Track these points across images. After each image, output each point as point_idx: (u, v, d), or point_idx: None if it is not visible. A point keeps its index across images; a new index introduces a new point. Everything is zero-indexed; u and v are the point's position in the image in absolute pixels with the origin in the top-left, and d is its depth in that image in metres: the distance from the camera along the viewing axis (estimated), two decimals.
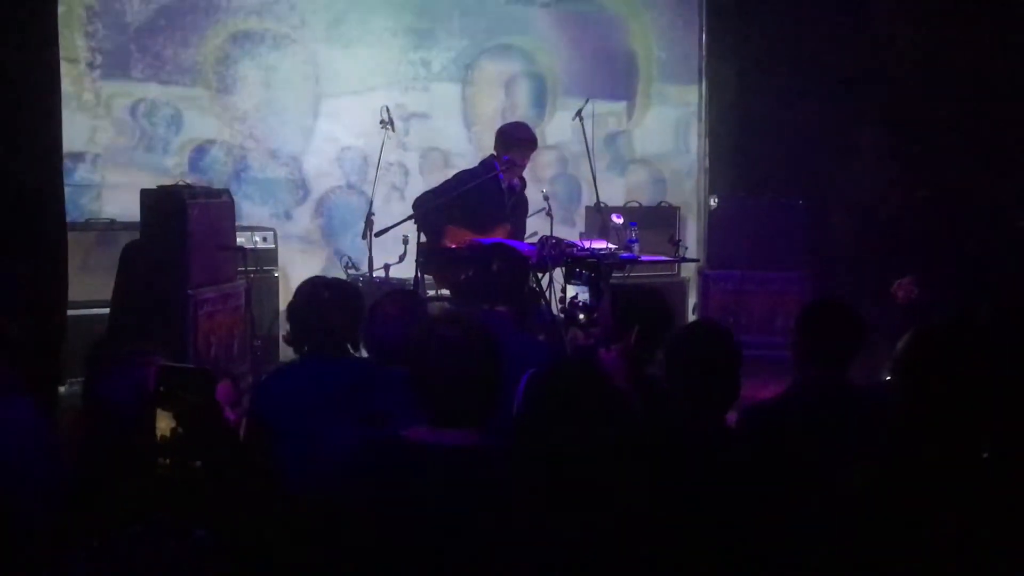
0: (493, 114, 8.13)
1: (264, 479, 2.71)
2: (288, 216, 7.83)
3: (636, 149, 8.76)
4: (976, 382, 2.18)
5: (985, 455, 2.13)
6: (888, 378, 2.29)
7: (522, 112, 8.29)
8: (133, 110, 7.44)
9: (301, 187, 7.89)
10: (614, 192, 8.30)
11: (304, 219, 7.91)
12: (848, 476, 2.21)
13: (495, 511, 2.30)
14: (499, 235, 5.98)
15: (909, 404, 2.22)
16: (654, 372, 3.84)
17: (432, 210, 5.91)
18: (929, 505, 2.11)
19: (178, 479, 2.16)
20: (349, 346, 3.53)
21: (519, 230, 6.21)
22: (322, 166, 7.93)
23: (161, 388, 2.20)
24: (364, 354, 3.73)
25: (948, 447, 2.15)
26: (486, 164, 6.15)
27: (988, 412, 2.17)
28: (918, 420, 2.20)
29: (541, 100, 8.50)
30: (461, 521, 2.30)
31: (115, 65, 7.33)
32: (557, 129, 8.28)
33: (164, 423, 2.18)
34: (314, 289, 3.52)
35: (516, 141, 6.09)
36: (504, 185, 6.06)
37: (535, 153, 6.32)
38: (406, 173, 8.07)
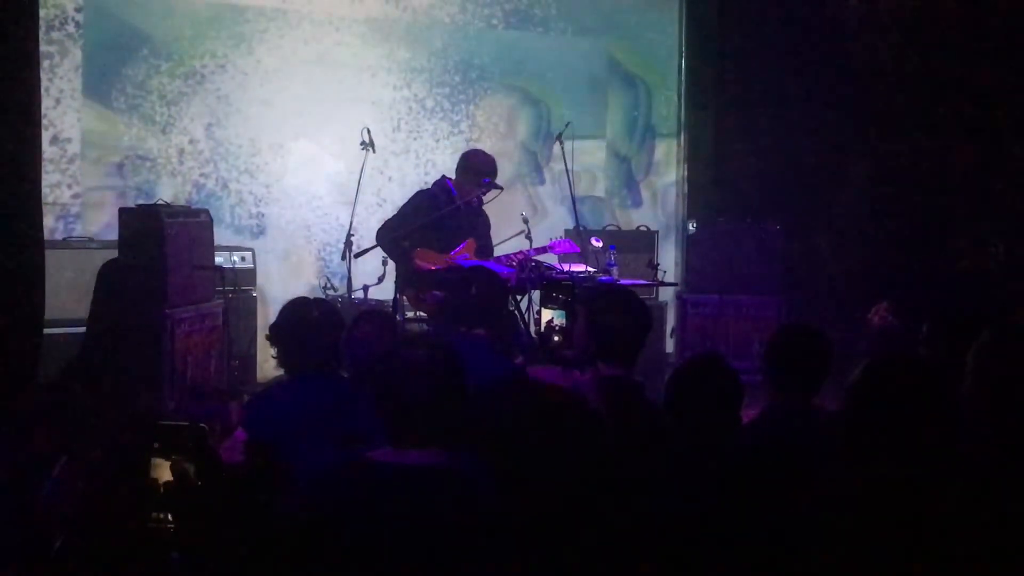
0: (493, 145, 7.84)
1: (260, 500, 2.69)
2: (276, 237, 7.79)
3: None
4: (918, 414, 2.24)
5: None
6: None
7: (525, 143, 8.33)
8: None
9: (286, 209, 7.83)
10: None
11: (290, 240, 7.84)
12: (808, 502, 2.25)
13: (456, 531, 2.30)
14: (467, 252, 6.00)
15: (856, 433, 2.29)
16: (635, 395, 3.86)
17: (397, 238, 5.92)
18: (877, 528, 2.15)
19: (176, 532, 2.15)
20: (336, 365, 3.53)
21: (485, 245, 6.23)
22: (309, 189, 7.87)
23: (156, 446, 2.19)
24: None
25: (890, 472, 2.21)
26: (440, 186, 6.17)
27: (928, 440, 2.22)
28: (864, 448, 2.26)
29: (543, 129, 8.40)
30: (422, 541, 2.30)
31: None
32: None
33: (161, 475, 2.18)
34: (304, 309, 3.51)
35: (478, 168, 6.12)
36: (461, 203, 6.07)
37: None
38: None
